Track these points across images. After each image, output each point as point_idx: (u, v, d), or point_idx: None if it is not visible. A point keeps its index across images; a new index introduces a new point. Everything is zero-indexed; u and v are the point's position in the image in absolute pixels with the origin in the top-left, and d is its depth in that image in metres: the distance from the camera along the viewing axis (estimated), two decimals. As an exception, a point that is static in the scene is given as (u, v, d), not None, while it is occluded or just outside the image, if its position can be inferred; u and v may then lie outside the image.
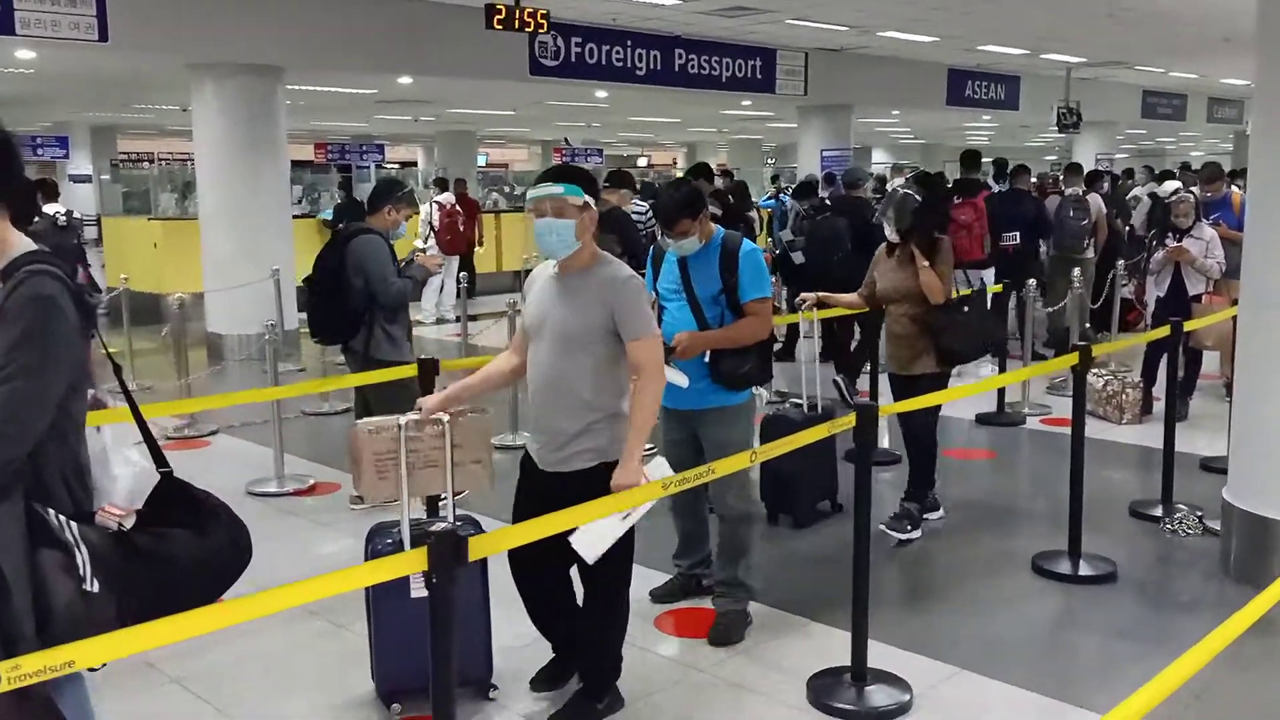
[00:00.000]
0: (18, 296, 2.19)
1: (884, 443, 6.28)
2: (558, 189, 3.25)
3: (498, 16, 9.59)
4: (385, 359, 5.36)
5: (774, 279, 4.95)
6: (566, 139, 29.09)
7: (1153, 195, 11.11)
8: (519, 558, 3.44)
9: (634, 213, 7.49)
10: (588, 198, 3.28)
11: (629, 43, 12.69)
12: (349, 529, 5.25)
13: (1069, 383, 4.92)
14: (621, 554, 3.39)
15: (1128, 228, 11.12)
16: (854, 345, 8.56)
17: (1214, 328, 6.75)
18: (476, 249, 14.14)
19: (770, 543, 5.14)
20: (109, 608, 2.12)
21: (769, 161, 33.18)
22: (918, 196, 5.08)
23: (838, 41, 14.20)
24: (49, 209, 9.03)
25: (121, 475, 2.46)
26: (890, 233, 5.12)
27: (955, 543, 5.27)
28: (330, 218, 14.27)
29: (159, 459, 2.44)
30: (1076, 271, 8.67)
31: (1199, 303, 7.18)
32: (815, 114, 16.34)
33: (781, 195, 12.44)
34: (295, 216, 12.39)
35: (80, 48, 9.04)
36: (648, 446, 3.41)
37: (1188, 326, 6.05)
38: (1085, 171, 11.39)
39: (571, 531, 2.99)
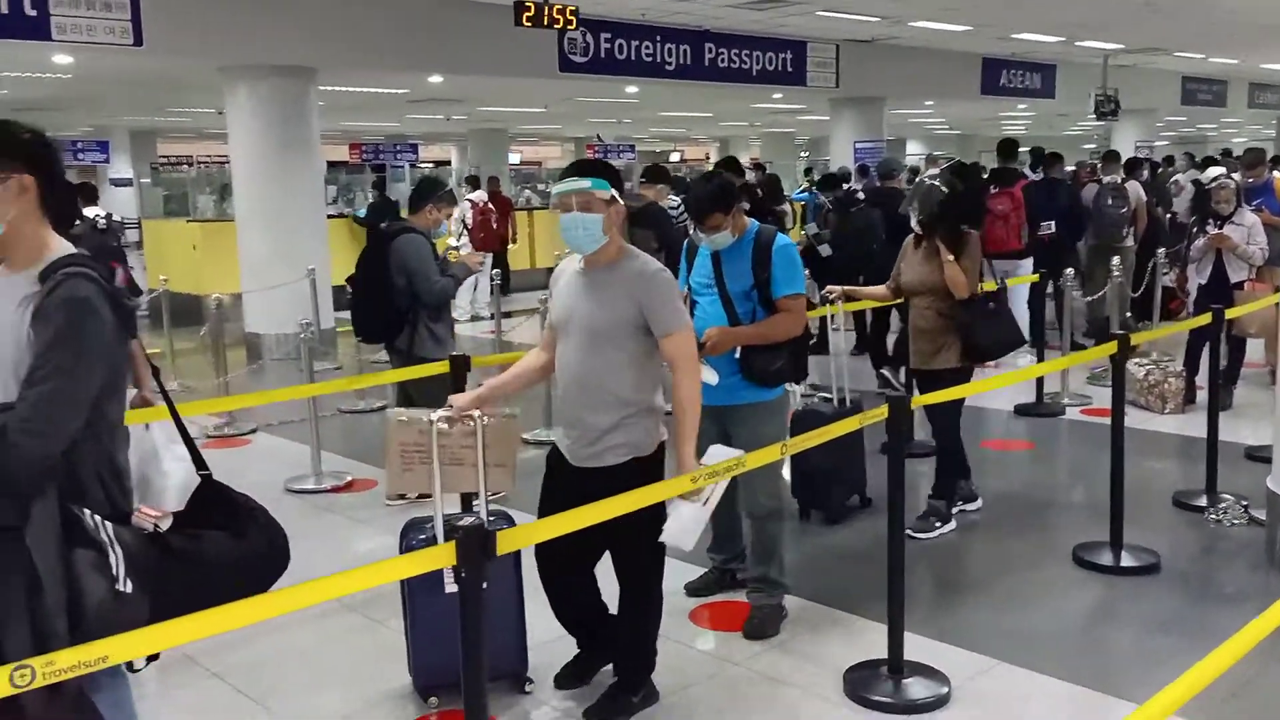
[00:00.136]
0: (54, 298, 2.22)
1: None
2: (584, 183, 3.23)
3: (526, 14, 9.58)
4: (429, 357, 5.36)
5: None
6: (599, 135, 29.09)
7: (1196, 182, 10.93)
8: (545, 554, 3.44)
9: (669, 207, 7.48)
10: (614, 191, 3.26)
11: (658, 38, 12.65)
12: (385, 525, 5.28)
13: (1109, 372, 4.84)
14: (654, 547, 3.39)
15: (1168, 215, 10.95)
16: (895, 337, 8.49)
17: (1257, 315, 6.63)
18: (510, 246, 14.20)
19: (803, 538, 5.11)
20: (142, 608, 2.14)
21: (802, 155, 33.00)
22: (944, 188, 4.98)
23: (869, 33, 14.08)
24: (89, 212, 9.16)
25: (173, 471, 2.49)
26: (915, 224, 5.04)
27: (994, 534, 5.22)
28: (363, 215, 14.42)
29: (198, 461, 2.46)
30: (1116, 260, 8.54)
31: (1241, 290, 7.06)
32: (847, 106, 16.22)
33: (814, 188, 12.38)
34: (330, 216, 12.50)
35: (116, 52, 9.15)
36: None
37: (1230, 314, 5.95)
38: (1123, 159, 11.22)
39: (601, 530, 2.98)
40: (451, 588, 2.45)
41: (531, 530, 2.86)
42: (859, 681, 3.61)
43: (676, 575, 4.36)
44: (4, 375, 2.25)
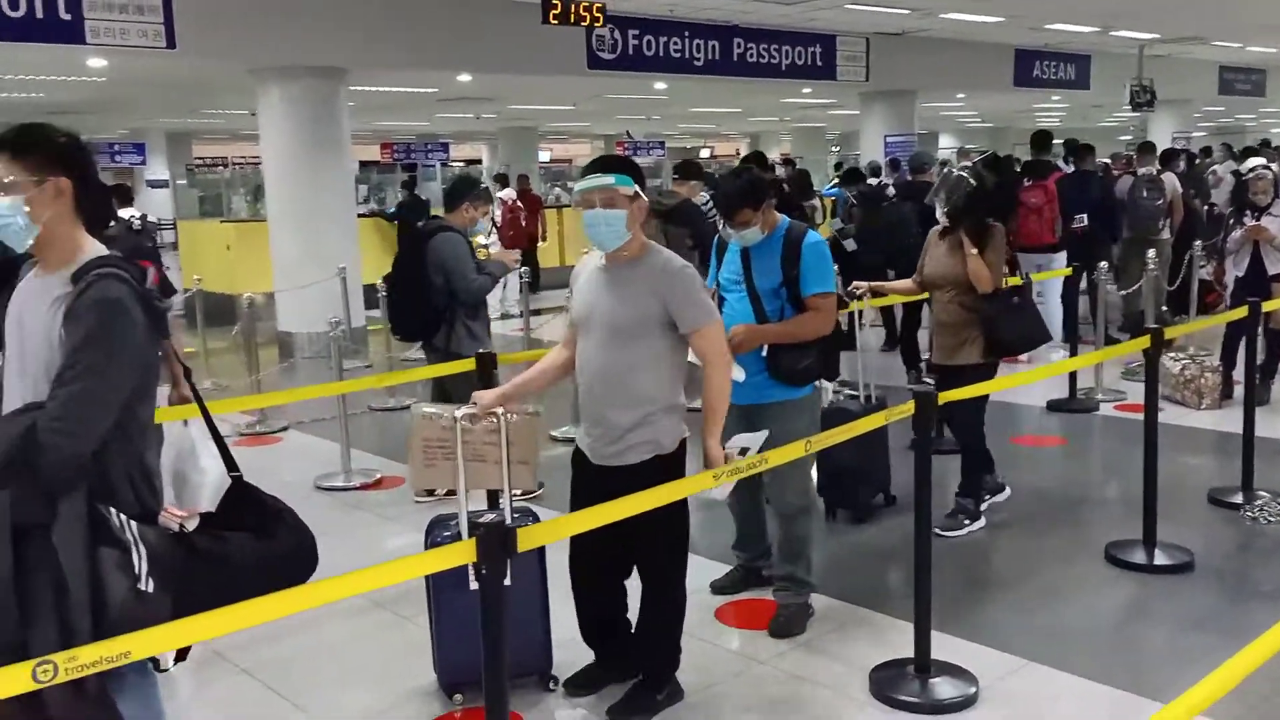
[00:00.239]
0: (86, 299, 2.24)
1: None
2: (608, 179, 3.22)
3: (554, 11, 9.59)
4: (467, 354, 5.36)
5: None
6: (628, 132, 29.06)
7: (1235, 173, 10.75)
8: (575, 560, 3.47)
9: (701, 204, 7.45)
10: (637, 188, 3.25)
11: (687, 33, 12.62)
12: (413, 522, 5.30)
13: (1144, 367, 4.76)
14: (677, 545, 3.38)
15: (1206, 207, 10.77)
16: (928, 333, 8.42)
17: (1296, 308, 6.50)
18: (540, 244, 14.23)
19: (830, 537, 5.07)
20: (164, 608, 2.15)
21: (833, 149, 32.81)
22: (972, 180, 4.90)
23: (899, 25, 13.96)
24: (124, 213, 9.26)
25: (210, 469, 2.51)
26: (940, 214, 4.97)
27: (1024, 532, 5.16)
28: (391, 212, 14.51)
29: (229, 462, 2.48)
30: (1151, 253, 8.42)
31: (1279, 283, 6.93)
32: (878, 100, 16.10)
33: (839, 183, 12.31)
34: (360, 216, 12.58)
35: (149, 55, 9.26)
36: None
37: (1267, 307, 5.83)
38: (1159, 150, 11.05)
39: (626, 530, 2.97)
40: (474, 585, 2.45)
41: (552, 527, 2.86)
42: (885, 681, 3.58)
43: (702, 573, 4.36)
44: (36, 375, 2.28)
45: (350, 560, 2.39)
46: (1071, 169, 10.24)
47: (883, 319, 9.71)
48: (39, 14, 8.41)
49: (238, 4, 9.61)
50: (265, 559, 2.36)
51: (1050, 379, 7.50)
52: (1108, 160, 12.30)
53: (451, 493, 3.56)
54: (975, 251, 4.79)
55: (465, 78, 13.93)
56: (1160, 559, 4.56)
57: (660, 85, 15.76)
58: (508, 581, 2.43)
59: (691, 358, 3.36)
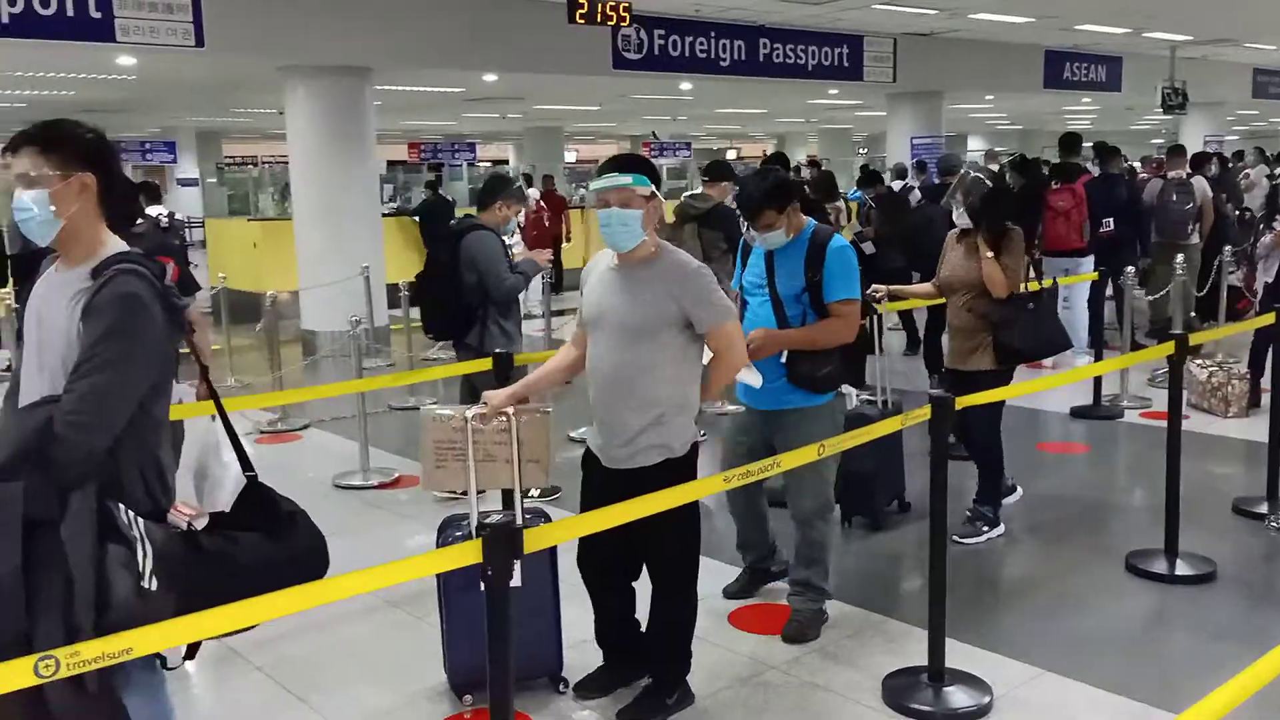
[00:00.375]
0: (104, 294, 2.26)
1: None
2: (625, 179, 3.20)
3: (580, 11, 9.58)
4: None
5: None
6: (654, 133, 29.04)
7: (1270, 177, 10.60)
8: (585, 562, 3.46)
9: (734, 206, 7.40)
10: (653, 188, 3.23)
11: (712, 34, 12.59)
12: (431, 521, 5.26)
13: (1169, 374, 4.68)
14: (688, 548, 3.36)
15: (1238, 213, 10.61)
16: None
17: (1327, 315, 6.38)
18: (564, 244, 14.26)
19: (845, 543, 5.02)
20: (166, 607, 2.15)
21: (860, 151, 32.64)
22: (988, 181, 4.83)
23: (927, 26, 13.87)
24: (152, 211, 9.35)
25: (233, 462, 2.52)
26: (957, 216, 4.89)
27: (1043, 539, 5.10)
28: (415, 207, 14.58)
29: (244, 463, 2.48)
30: (1180, 258, 8.31)
31: (1311, 289, 6.82)
32: (905, 101, 16.00)
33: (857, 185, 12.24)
34: (385, 215, 12.63)
35: (178, 53, 9.36)
36: (701, 434, 3.38)
37: (1296, 313, 5.74)
38: (1190, 154, 10.90)
39: (637, 534, 2.96)
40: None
41: (561, 528, 2.85)
42: (899, 689, 3.54)
43: (716, 578, 4.34)
44: (54, 369, 2.29)
45: (365, 559, 2.39)
46: (1098, 172, 10.12)
47: (903, 322, 9.64)
48: (70, 12, 8.51)
49: (265, 3, 9.70)
50: (274, 561, 2.36)
51: (1075, 385, 7.41)
52: (1135, 164, 12.16)
53: (480, 492, 3.57)
54: (991, 255, 4.71)
55: (491, 77, 13.97)
56: (1182, 569, 4.50)
57: (685, 85, 15.73)
58: (517, 582, 2.43)
59: (706, 359, 3.34)
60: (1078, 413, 7.42)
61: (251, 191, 16.62)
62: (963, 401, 3.68)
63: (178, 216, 10.61)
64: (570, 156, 31.12)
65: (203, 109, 21.52)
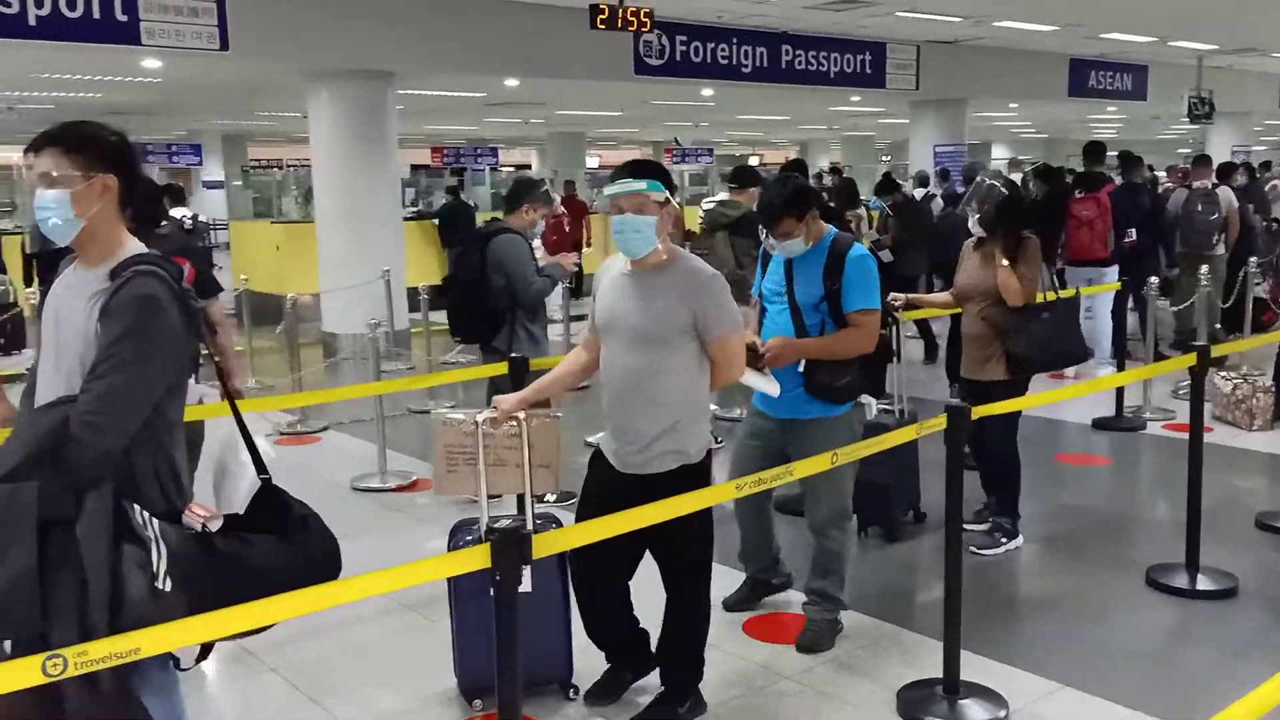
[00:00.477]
0: (122, 295, 2.26)
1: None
2: (640, 184, 3.18)
3: (601, 17, 9.59)
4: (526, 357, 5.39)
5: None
6: (676, 139, 29.06)
7: (1298, 188, 10.49)
8: (580, 564, 3.41)
9: None
10: (668, 194, 3.22)
11: (734, 40, 12.58)
12: (448, 525, 5.29)
13: (1194, 386, 4.62)
14: (701, 556, 3.34)
15: (1266, 223, 10.50)
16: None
17: (1354, 328, 6.32)
18: (585, 249, 14.27)
19: (861, 554, 4.97)
20: (179, 607, 2.15)
21: (883, 158, 32.52)
22: (1003, 189, 4.78)
23: (951, 33, 13.81)
24: (176, 213, 9.45)
25: (249, 462, 2.52)
26: (973, 224, 4.83)
27: (1062, 552, 5.05)
28: (435, 211, 14.64)
29: (259, 465, 2.48)
30: (1205, 269, 8.22)
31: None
32: (928, 109, 15.93)
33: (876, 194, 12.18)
34: (407, 218, 12.67)
35: (203, 57, 9.42)
36: (719, 441, 3.36)
37: (1323, 327, 5.67)
38: (1216, 164, 10.80)
39: (646, 539, 2.95)
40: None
41: (571, 534, 2.84)
42: (913, 701, 3.51)
43: (730, 587, 4.31)
44: (70, 369, 2.30)
45: (380, 562, 2.38)
46: (1121, 181, 10.05)
47: (919, 330, 9.58)
48: (96, 14, 8.59)
49: (289, 7, 9.76)
50: (286, 564, 2.36)
51: (1097, 396, 7.35)
52: (1160, 173, 12.05)
53: (493, 496, 3.56)
54: (1006, 263, 4.65)
55: (513, 82, 14.02)
56: (1203, 584, 4.44)
57: (708, 91, 15.73)
58: (527, 588, 2.41)
59: None
60: (1100, 424, 7.35)
61: (275, 194, 16.74)
62: (979, 411, 3.63)
63: (202, 219, 10.71)
64: (593, 162, 31.15)
65: (228, 112, 21.69)
